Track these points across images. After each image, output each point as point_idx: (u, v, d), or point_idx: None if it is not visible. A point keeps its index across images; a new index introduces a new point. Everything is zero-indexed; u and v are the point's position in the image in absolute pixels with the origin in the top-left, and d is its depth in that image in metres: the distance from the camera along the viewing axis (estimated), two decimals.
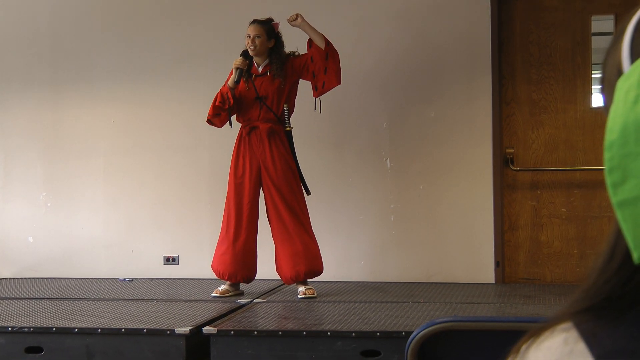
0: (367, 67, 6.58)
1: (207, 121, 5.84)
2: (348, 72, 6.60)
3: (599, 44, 6.41)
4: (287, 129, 5.84)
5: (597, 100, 6.44)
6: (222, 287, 5.90)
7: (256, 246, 5.90)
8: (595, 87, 6.45)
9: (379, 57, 6.57)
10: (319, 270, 5.87)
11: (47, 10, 7.02)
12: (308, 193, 5.89)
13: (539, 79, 6.51)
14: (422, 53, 6.53)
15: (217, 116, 5.76)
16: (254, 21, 5.80)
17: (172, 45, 6.84)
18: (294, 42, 5.96)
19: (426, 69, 6.54)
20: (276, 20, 5.87)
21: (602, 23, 6.45)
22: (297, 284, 5.88)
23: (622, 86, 0.79)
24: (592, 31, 6.43)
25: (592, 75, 6.44)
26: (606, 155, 0.79)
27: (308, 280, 5.92)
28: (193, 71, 6.78)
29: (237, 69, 5.68)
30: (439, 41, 6.51)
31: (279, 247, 5.84)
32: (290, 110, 5.87)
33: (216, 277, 6.03)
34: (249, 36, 5.74)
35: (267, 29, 5.77)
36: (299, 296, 5.77)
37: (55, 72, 7.00)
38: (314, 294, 5.79)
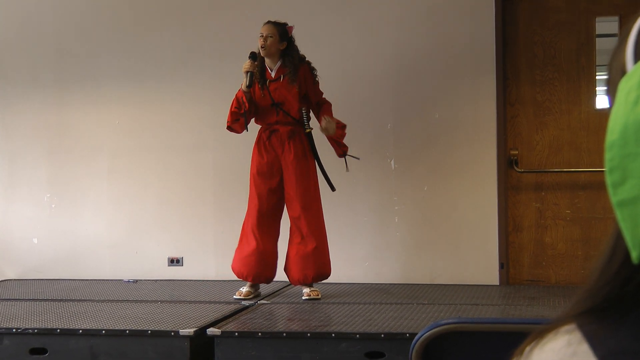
0: (371, 68, 6.58)
1: (227, 128, 5.81)
2: (353, 73, 6.61)
3: (603, 45, 6.40)
4: (307, 130, 5.80)
5: (601, 101, 6.44)
6: (244, 289, 5.88)
7: (277, 247, 5.91)
8: (600, 89, 6.44)
9: (383, 59, 6.57)
10: (326, 274, 5.89)
11: (51, 11, 7.02)
12: (333, 189, 5.89)
13: (543, 80, 6.50)
14: (426, 54, 6.53)
15: (236, 122, 5.74)
16: (268, 22, 5.78)
17: (177, 46, 6.85)
18: (304, 47, 5.95)
19: (430, 70, 6.53)
20: (290, 25, 5.85)
21: (606, 24, 6.44)
22: (302, 285, 5.89)
23: (624, 87, 0.80)
24: (597, 32, 6.42)
25: (597, 77, 6.43)
26: (607, 155, 0.79)
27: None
28: (197, 73, 6.78)
29: (246, 72, 5.66)
30: (443, 42, 6.51)
31: (290, 248, 5.85)
32: (308, 111, 5.84)
33: (221, 279, 6.04)
34: (262, 35, 5.72)
35: (280, 30, 5.74)
36: (304, 297, 5.77)
37: (60, 74, 7.01)
38: (318, 295, 5.80)
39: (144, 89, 6.91)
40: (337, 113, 6.61)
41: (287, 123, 5.76)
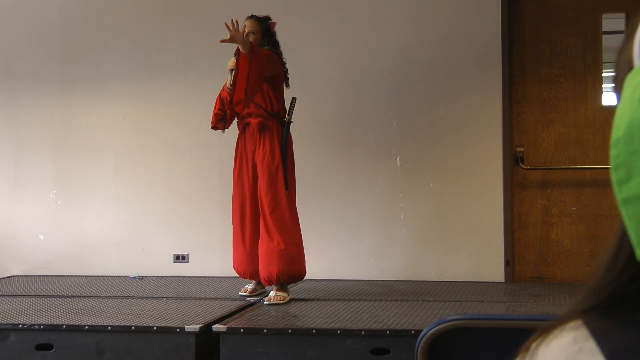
0: (377, 65, 6.58)
1: (212, 128, 5.76)
2: (358, 70, 6.61)
3: (609, 42, 6.39)
4: (286, 119, 5.65)
5: (607, 98, 6.43)
6: (250, 286, 5.84)
7: None
8: (606, 86, 6.44)
9: (389, 56, 6.57)
10: (296, 274, 5.59)
11: (57, 9, 7.03)
12: (286, 190, 5.58)
13: (549, 77, 6.49)
14: (432, 51, 6.53)
15: (221, 121, 5.67)
16: (252, 16, 5.69)
17: (182, 43, 6.85)
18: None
19: (436, 67, 6.53)
20: (277, 21, 5.77)
21: (613, 21, 6.43)
22: (274, 286, 5.61)
23: (630, 83, 0.79)
24: (603, 29, 6.41)
25: (603, 74, 6.43)
26: (612, 152, 0.79)
27: (295, 285, 5.78)
28: (203, 69, 6.78)
29: (231, 70, 5.56)
30: (449, 39, 6.50)
31: (259, 246, 5.66)
32: (293, 102, 5.65)
33: (226, 276, 6.03)
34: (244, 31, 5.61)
35: (263, 27, 5.65)
36: (265, 302, 5.51)
37: (66, 71, 7.02)
38: (282, 300, 5.52)
39: (150, 87, 6.92)
40: (344, 110, 6.61)
41: (258, 115, 5.63)
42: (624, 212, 0.78)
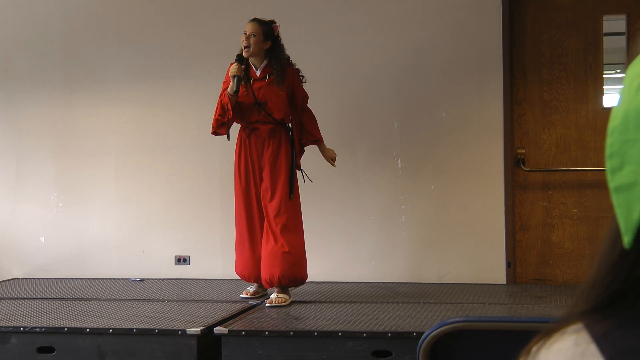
0: (378, 67, 6.58)
1: (212, 133, 5.73)
2: (360, 72, 6.61)
3: (610, 43, 6.39)
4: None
5: (609, 100, 6.43)
6: (252, 289, 5.83)
7: None
8: (607, 87, 6.43)
9: (390, 58, 6.57)
10: (297, 278, 5.60)
11: (58, 11, 7.03)
12: (290, 196, 5.62)
13: (550, 79, 6.49)
14: (433, 53, 6.53)
15: (222, 127, 5.64)
16: (253, 19, 5.63)
17: (183, 45, 6.85)
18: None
19: (437, 68, 6.53)
20: (278, 23, 5.70)
21: (614, 23, 6.43)
22: (275, 289, 5.62)
23: (630, 73, 0.80)
24: (604, 31, 6.41)
25: (604, 75, 6.42)
26: (608, 140, 0.80)
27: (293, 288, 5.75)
28: (204, 71, 6.78)
29: (233, 77, 5.49)
30: (450, 41, 6.50)
31: (262, 248, 5.65)
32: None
33: (228, 278, 6.01)
34: (245, 34, 5.56)
35: (265, 29, 5.57)
36: (267, 304, 5.52)
37: (67, 73, 7.02)
38: (282, 302, 5.52)
39: (151, 88, 6.91)
40: (345, 112, 6.61)
41: (267, 122, 5.61)
42: (615, 200, 0.79)
